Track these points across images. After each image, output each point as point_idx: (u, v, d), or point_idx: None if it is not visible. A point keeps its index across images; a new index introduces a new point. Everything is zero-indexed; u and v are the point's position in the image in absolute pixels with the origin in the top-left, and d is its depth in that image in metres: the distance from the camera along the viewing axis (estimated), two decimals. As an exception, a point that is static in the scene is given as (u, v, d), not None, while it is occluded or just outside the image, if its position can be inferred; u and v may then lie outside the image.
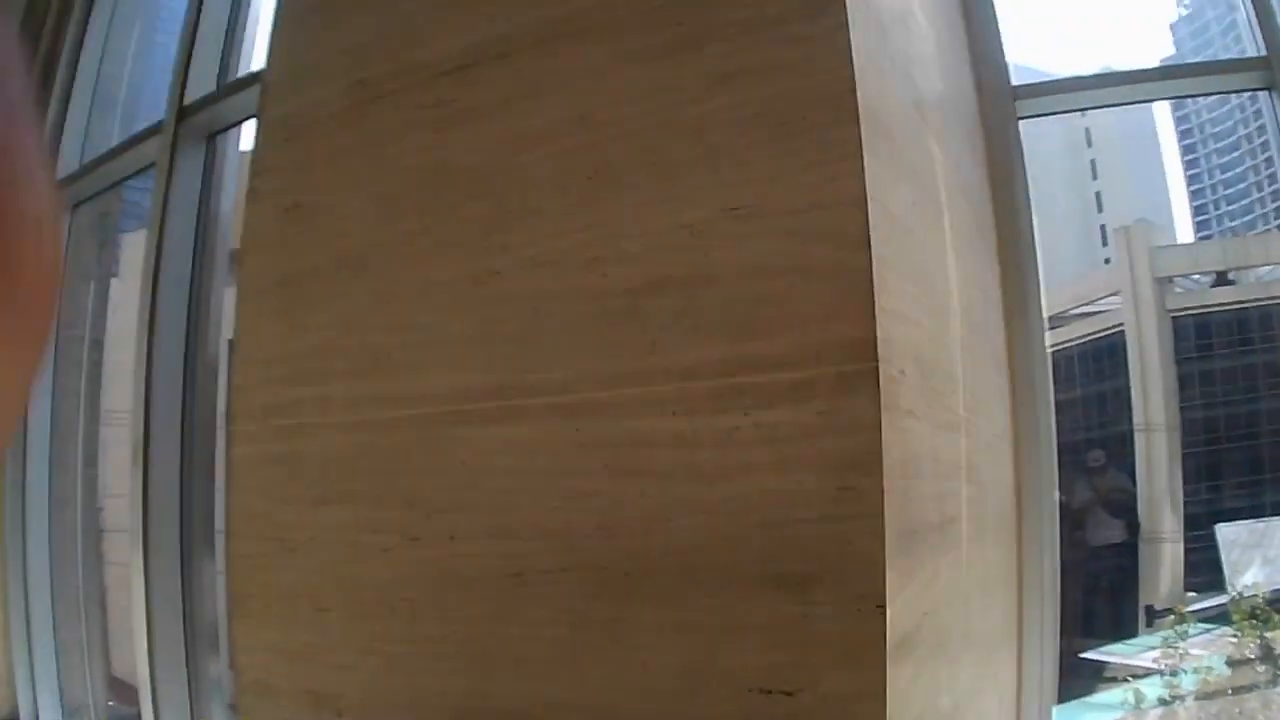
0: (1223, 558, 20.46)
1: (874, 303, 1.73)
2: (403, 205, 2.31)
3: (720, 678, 1.83)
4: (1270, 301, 26.73)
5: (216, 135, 4.35)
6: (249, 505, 2.52)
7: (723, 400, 1.84)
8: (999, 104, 3.79)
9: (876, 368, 1.72)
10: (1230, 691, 12.87)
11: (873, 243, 1.75)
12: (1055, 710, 3.60)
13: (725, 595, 1.83)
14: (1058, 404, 3.83)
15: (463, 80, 2.26)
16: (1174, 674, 13.21)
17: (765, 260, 1.83)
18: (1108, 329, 27.38)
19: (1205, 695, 13.01)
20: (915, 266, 2.12)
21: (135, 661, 4.05)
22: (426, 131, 2.29)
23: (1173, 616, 14.72)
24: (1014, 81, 3.90)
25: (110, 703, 5.27)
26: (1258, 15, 4.05)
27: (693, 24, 1.99)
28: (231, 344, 2.68)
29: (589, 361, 2.00)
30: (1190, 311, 26.64)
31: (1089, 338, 28.20)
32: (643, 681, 1.90)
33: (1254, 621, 13.06)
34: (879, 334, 1.73)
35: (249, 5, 4.64)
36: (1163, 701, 12.92)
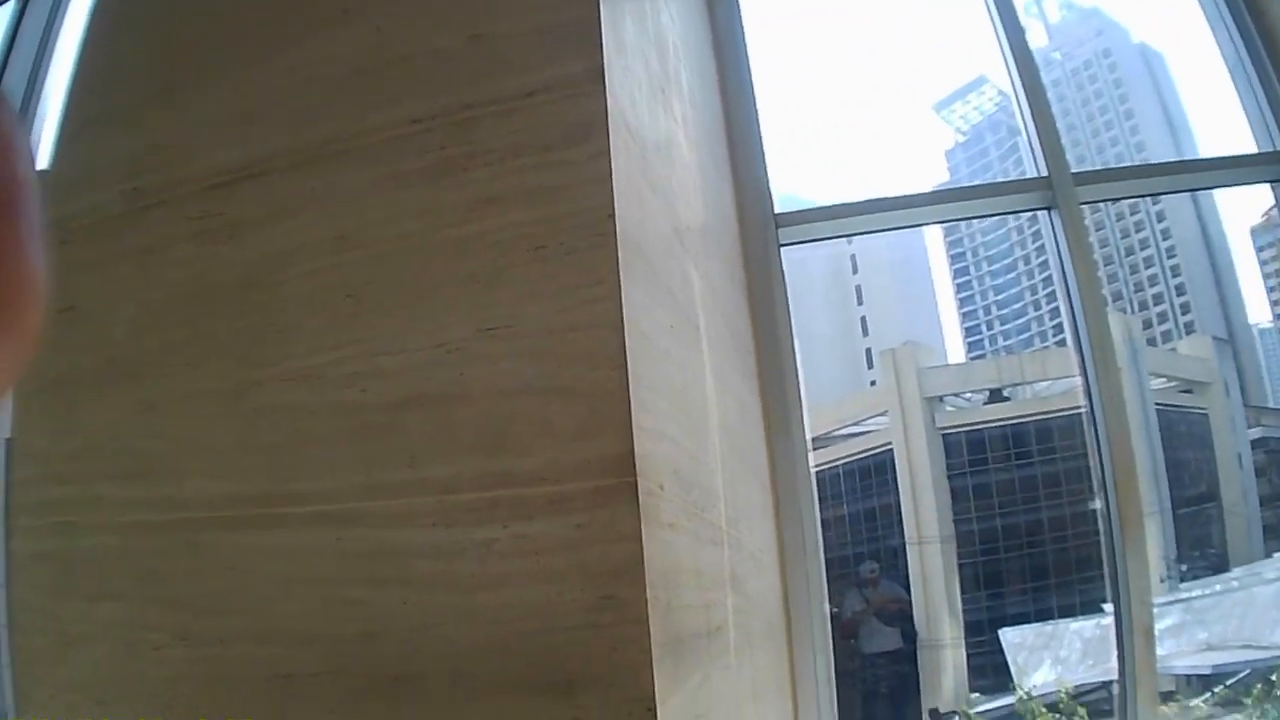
0: (1009, 660, 20.89)
1: (631, 420, 1.81)
2: (169, 315, 2.32)
3: (491, 787, 1.85)
4: (1047, 415, 27.48)
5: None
6: (28, 599, 2.47)
7: (481, 513, 1.89)
8: (761, 230, 3.93)
9: (635, 482, 1.79)
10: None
11: (629, 363, 1.83)
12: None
13: (494, 700, 1.87)
14: (827, 520, 3.97)
15: (227, 195, 2.29)
16: None
17: (521, 379, 1.90)
18: (875, 448, 27.97)
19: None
20: (672, 386, 2.20)
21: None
22: (192, 244, 2.31)
23: (959, 717, 14.98)
24: (777, 209, 4.03)
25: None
26: (1040, 136, 4.25)
27: (457, 148, 2.06)
28: (8, 442, 2.65)
29: (349, 473, 2.03)
30: (962, 428, 27.31)
31: (857, 456, 28.75)
32: (412, 786, 1.91)
33: (1057, 716, 13.33)
34: (636, 449, 1.81)
35: (39, 106, 4.60)
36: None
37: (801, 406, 3.81)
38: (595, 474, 1.81)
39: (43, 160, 2.60)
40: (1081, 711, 13.53)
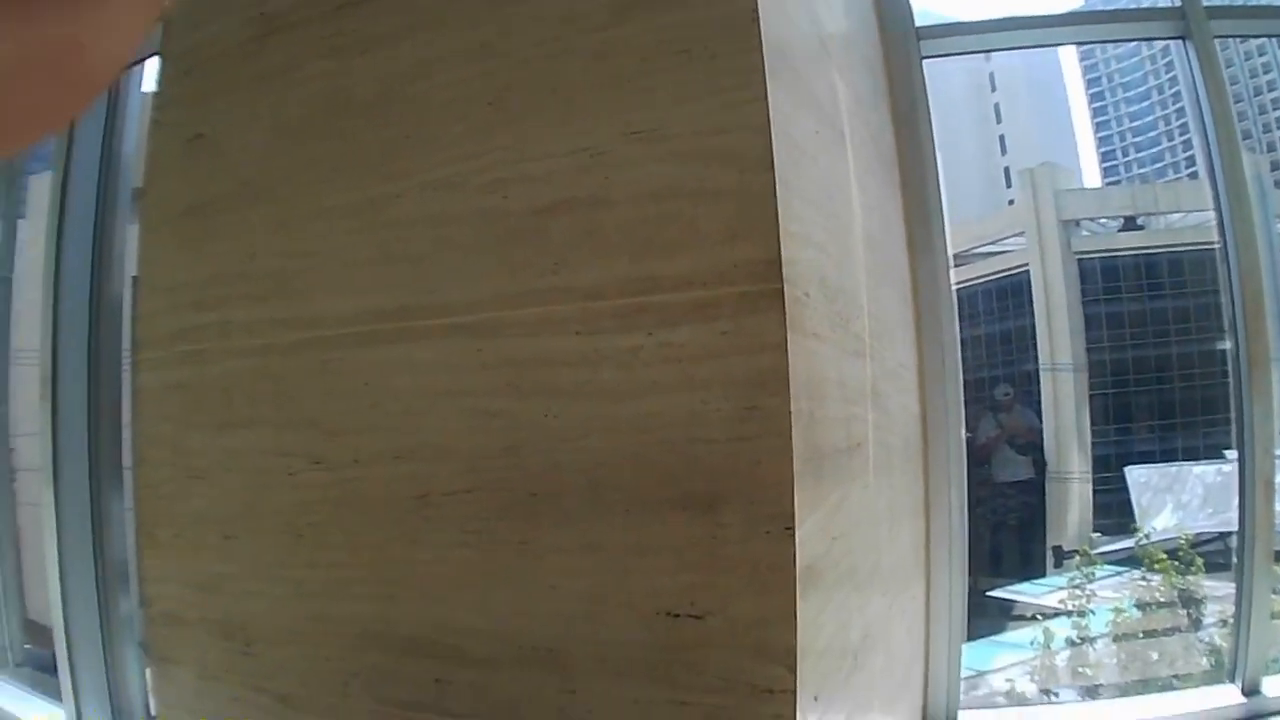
0: (1133, 501, 20.68)
1: (778, 225, 1.74)
2: (302, 133, 2.29)
3: (628, 600, 1.85)
4: (1179, 247, 27.02)
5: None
6: (155, 433, 2.51)
7: (626, 320, 1.85)
8: (903, 42, 3.82)
9: (781, 289, 1.73)
10: (1142, 635, 13.05)
11: (776, 167, 1.76)
12: (964, 647, 3.64)
13: (632, 516, 1.84)
14: (963, 340, 3.87)
15: (362, 12, 2.24)
16: (1082, 615, 13.37)
17: (668, 182, 1.85)
18: (1012, 268, 27.61)
19: (1117, 637, 13.17)
20: (819, 193, 2.13)
21: (49, 602, 4.02)
22: (326, 60, 2.27)
23: (1079, 557, 14.87)
24: (918, 22, 3.93)
25: (27, 645, 5.22)
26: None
27: (596, -47, 1.98)
28: (135, 279, 2.65)
29: (491, 282, 2.00)
30: (1097, 254, 26.88)
31: (994, 276, 28.41)
32: (550, 605, 1.92)
33: (1176, 564, 13.24)
34: (783, 255, 1.74)
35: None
36: (1071, 642, 13.07)
37: (944, 222, 3.74)
38: (742, 279, 1.76)
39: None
40: (1199, 562, 13.41)
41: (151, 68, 3.33)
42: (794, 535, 1.71)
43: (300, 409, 2.23)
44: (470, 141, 2.05)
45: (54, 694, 4.15)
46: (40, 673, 4.77)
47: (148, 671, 3.70)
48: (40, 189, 4.93)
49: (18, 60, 0.45)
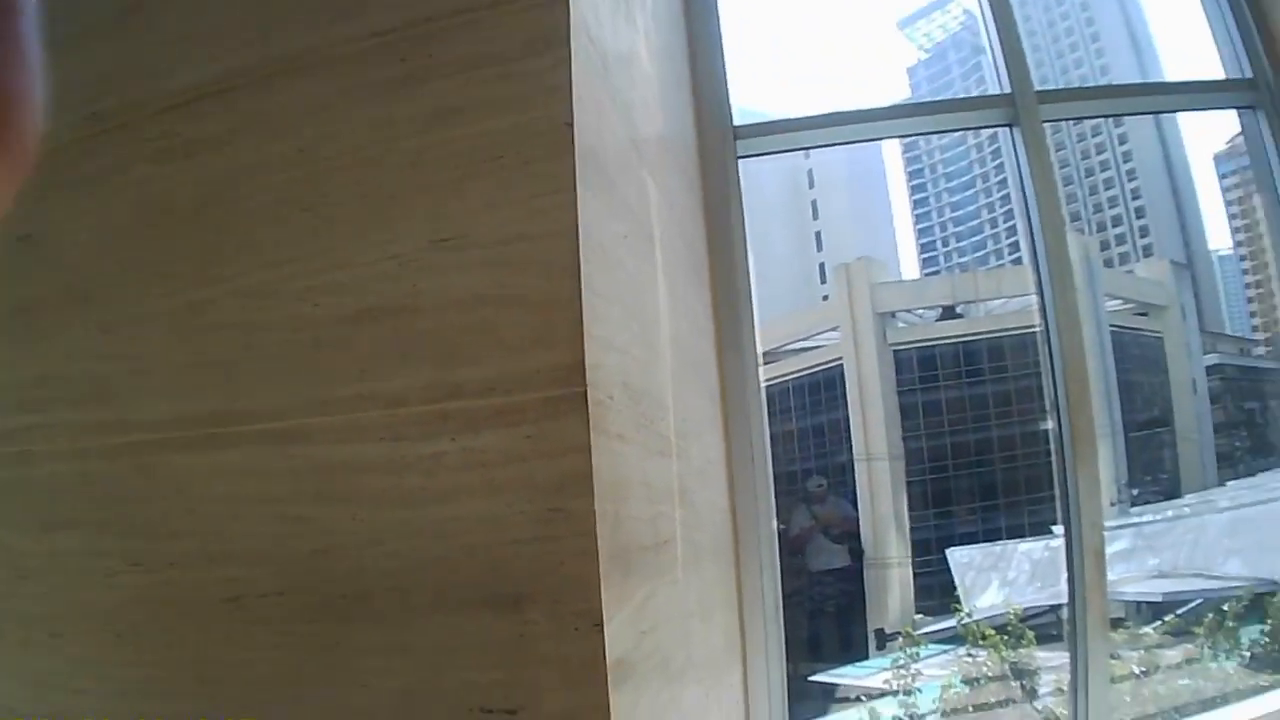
0: (956, 580, 20.99)
1: (582, 330, 1.79)
2: (126, 236, 2.30)
3: (441, 698, 1.86)
4: (999, 333, 27.58)
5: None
6: (-20, 533, 2.48)
7: (430, 426, 1.88)
8: (719, 143, 3.91)
9: (585, 392, 1.77)
10: (973, 709, 13.25)
11: (582, 271, 1.81)
12: (788, 733, 3.69)
13: (441, 616, 1.86)
14: (776, 435, 3.96)
15: (188, 115, 2.25)
16: (908, 693, 13.57)
17: (473, 290, 1.88)
18: (826, 363, 28.01)
19: (946, 713, 13.35)
20: (625, 296, 2.18)
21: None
22: (150, 164, 2.28)
23: (903, 638, 15.10)
24: (736, 121, 4.02)
25: None
26: (1004, 52, 4.24)
27: (417, 60, 2.02)
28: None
29: (299, 389, 2.02)
30: (913, 344, 27.35)
31: (807, 371, 28.78)
32: (365, 702, 1.92)
33: (1006, 638, 13.45)
34: (587, 359, 1.79)
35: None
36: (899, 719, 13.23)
37: (754, 320, 3.81)
38: (545, 384, 1.80)
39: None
40: (1029, 635, 13.66)
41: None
42: (603, 631, 1.74)
43: (119, 512, 2.22)
44: (285, 248, 2.08)
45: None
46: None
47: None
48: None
49: None
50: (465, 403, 1.86)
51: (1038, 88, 4.20)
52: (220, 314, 2.13)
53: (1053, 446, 4.03)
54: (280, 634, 2.01)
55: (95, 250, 2.34)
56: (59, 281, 2.37)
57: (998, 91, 4.32)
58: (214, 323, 2.13)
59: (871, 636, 21.65)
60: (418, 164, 1.98)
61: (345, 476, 1.96)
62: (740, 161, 3.99)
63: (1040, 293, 4.07)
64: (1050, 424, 4.11)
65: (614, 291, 2.06)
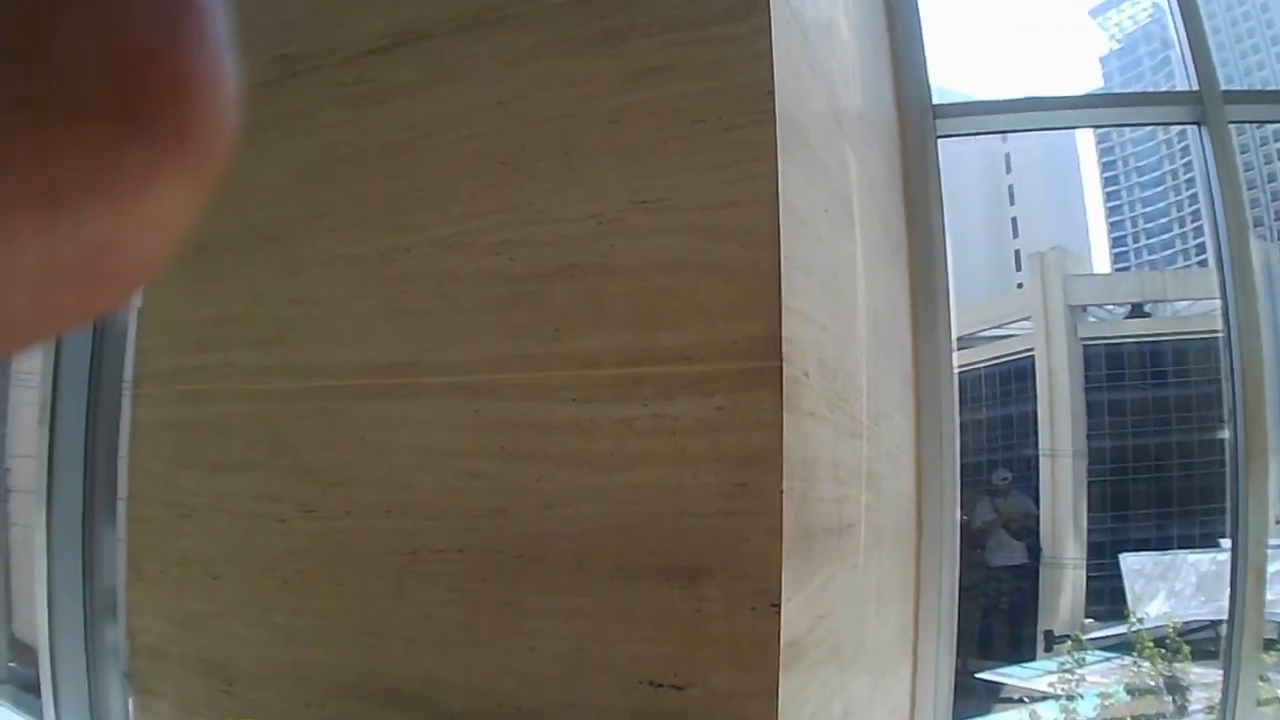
0: (1126, 587, 20.63)
1: (780, 301, 1.75)
2: (316, 179, 2.30)
3: (609, 667, 1.84)
4: (1184, 335, 27.02)
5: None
6: (149, 468, 2.50)
7: (622, 390, 1.85)
8: (919, 121, 3.83)
9: (780, 366, 1.73)
10: (1130, 718, 13.02)
11: (781, 243, 1.76)
12: (951, 729, 3.62)
13: (616, 584, 1.84)
14: (963, 424, 3.87)
15: (384, 61, 2.24)
16: (1070, 699, 13.35)
17: (672, 253, 1.85)
18: (1017, 353, 27.61)
19: (1105, 721, 13.15)
20: (824, 270, 2.13)
21: (35, 624, 4.01)
22: (344, 109, 2.28)
23: (1071, 642, 14.86)
24: (935, 101, 3.94)
25: (11, 664, 5.20)
26: (1191, 50, 4.14)
27: (616, 19, 1.98)
28: (139, 312, 2.65)
29: (491, 344, 2.00)
30: (1102, 340, 26.88)
31: (998, 360, 28.39)
32: (531, 666, 1.91)
33: (1162, 651, 13.22)
34: (784, 333, 1.75)
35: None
36: (1059, 725, 13.04)
37: (949, 304, 3.74)
38: (741, 355, 1.76)
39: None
40: (1186, 649, 13.41)
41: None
42: (779, 612, 1.70)
43: (295, 457, 2.23)
44: (481, 200, 2.06)
45: (36, 714, 4.14)
46: (23, 692, 4.75)
47: (130, 701, 3.69)
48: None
49: (46, 262, 0.42)
50: (659, 368, 1.82)
51: (1225, 87, 4.09)
52: (413, 263, 2.12)
53: (1227, 456, 3.91)
54: (453, 591, 2.00)
55: (284, 192, 2.34)
56: (245, 221, 2.37)
57: (1185, 88, 4.21)
58: (406, 272, 2.12)
59: (1040, 637, 21.38)
60: (617, 122, 1.94)
61: (532, 435, 1.93)
62: (939, 142, 3.92)
63: (1223, 297, 3.96)
64: (1227, 434, 3.99)
65: (813, 265, 2.01)
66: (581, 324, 1.90)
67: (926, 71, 3.92)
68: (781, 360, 1.73)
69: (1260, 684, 3.91)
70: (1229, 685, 3.80)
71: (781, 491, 1.72)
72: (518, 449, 1.95)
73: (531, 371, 1.94)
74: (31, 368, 4.59)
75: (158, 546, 2.46)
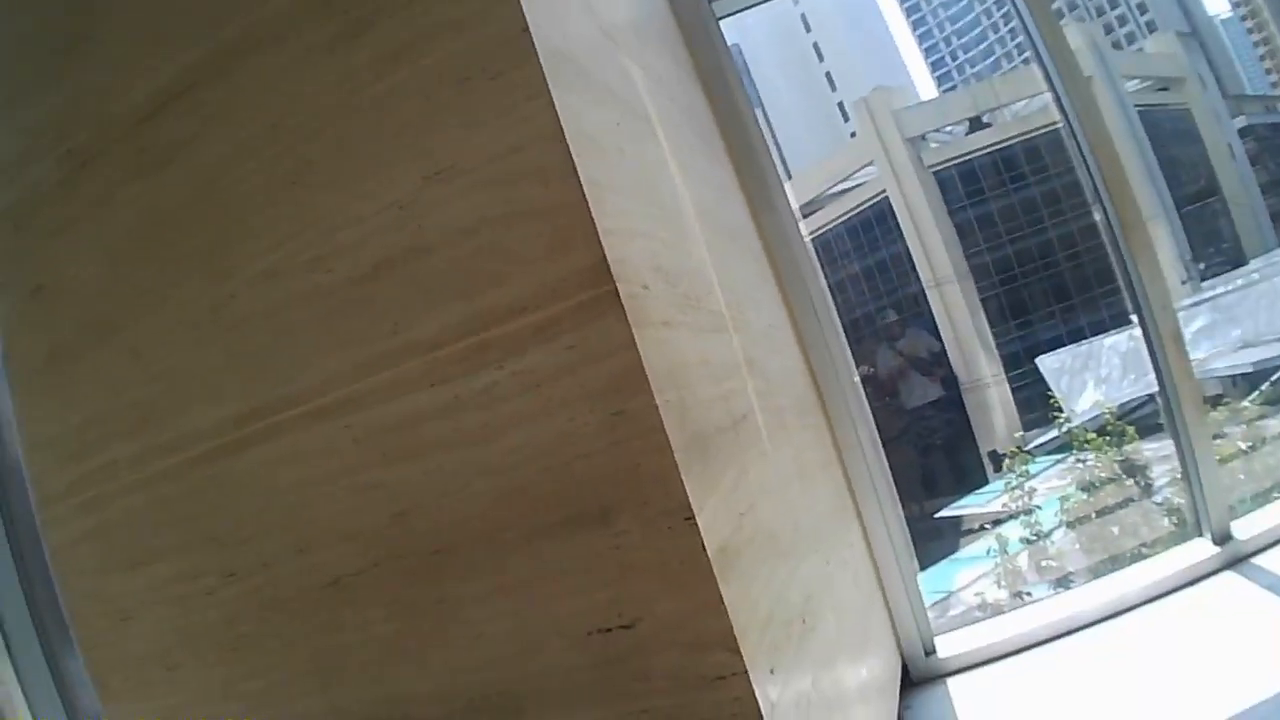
0: (1053, 388, 20.85)
1: (595, 227, 1.75)
2: (132, 257, 2.28)
3: (556, 628, 1.85)
4: (1031, 134, 27.30)
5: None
6: (78, 586, 2.50)
7: (473, 361, 1.85)
8: (694, 9, 3.83)
9: (615, 289, 1.74)
10: (1095, 515, 13.18)
11: (579, 170, 1.77)
12: (922, 575, 3.66)
13: (533, 547, 1.85)
14: (842, 280, 3.91)
15: (158, 124, 2.22)
16: (1029, 512, 13.49)
17: (478, 214, 1.85)
18: (871, 199, 27.83)
19: (1072, 523, 13.29)
20: (635, 183, 2.12)
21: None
22: (137, 181, 2.25)
23: (1014, 457, 15.01)
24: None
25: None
26: None
27: (358, 9, 1.97)
28: (21, 440, 2.64)
29: (336, 359, 2.00)
30: (951, 162, 27.13)
31: (854, 211, 28.61)
32: (483, 653, 1.92)
33: (1108, 438, 13.36)
34: (609, 254, 1.75)
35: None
36: (1027, 541, 13.18)
37: (778, 175, 3.75)
38: (573, 290, 1.76)
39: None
40: (1130, 430, 13.55)
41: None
42: (696, 523, 1.71)
43: (199, 528, 2.22)
44: (282, 225, 2.05)
45: None
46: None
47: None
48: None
49: None
50: (501, 329, 1.83)
51: None
52: (239, 307, 2.11)
53: (1106, 238, 3.96)
54: (384, 606, 2.01)
55: (106, 280, 2.33)
56: (79, 321, 2.37)
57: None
58: (235, 317, 2.12)
59: (986, 460, 21.60)
60: (388, 107, 1.94)
61: (406, 433, 1.94)
62: (720, 23, 3.92)
63: (1052, 88, 3.99)
64: (1098, 215, 4.03)
65: (620, 181, 2.01)
66: (414, 311, 1.90)
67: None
68: (614, 282, 1.73)
69: (1217, 442, 3.97)
70: (1183, 454, 3.85)
71: (657, 406, 1.72)
72: (397, 450, 1.95)
73: (383, 372, 1.94)
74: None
75: (113, 658, 2.45)
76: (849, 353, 3.73)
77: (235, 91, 2.12)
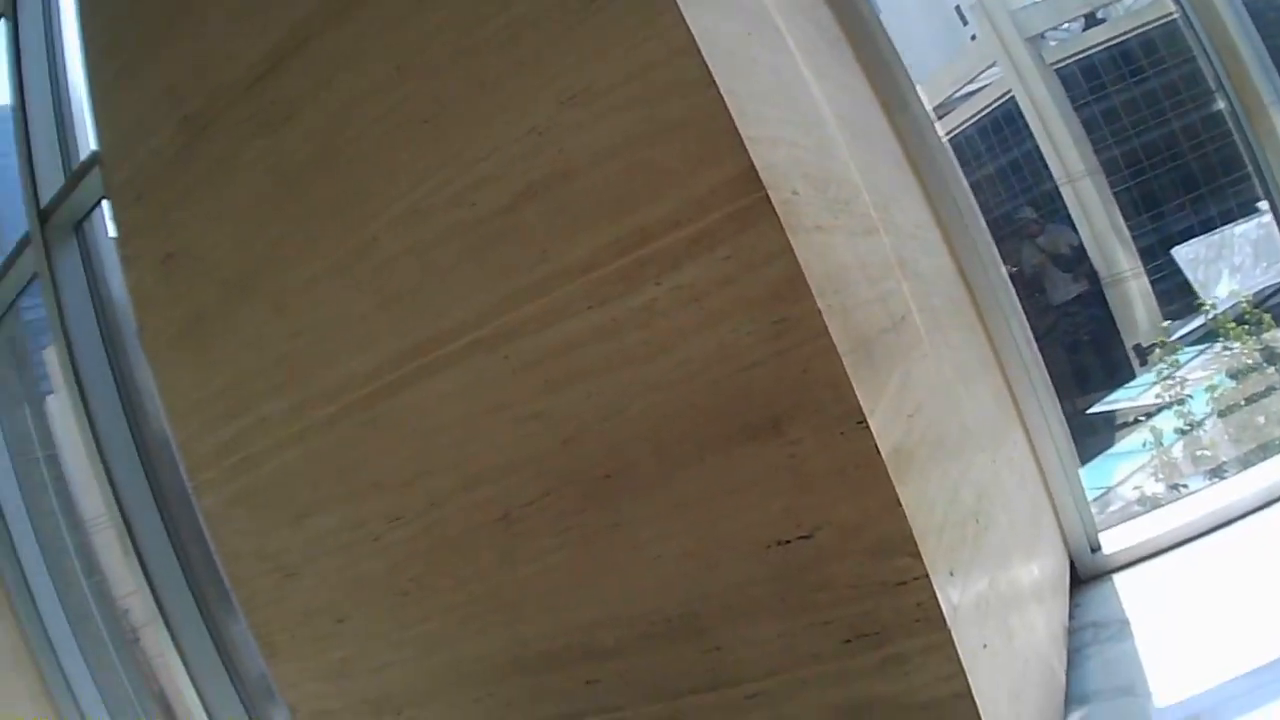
0: (1189, 278, 20.46)
1: (740, 136, 1.71)
2: (263, 215, 2.29)
3: (733, 544, 1.84)
4: (1147, 26, 26.74)
5: (81, 223, 4.26)
6: (236, 547, 2.53)
7: (630, 279, 1.83)
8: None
9: (765, 195, 1.70)
10: (1244, 402, 12.92)
11: (717, 81, 1.73)
12: (1081, 471, 3.59)
13: (706, 462, 1.83)
14: (978, 181, 3.84)
15: (277, 80, 2.23)
16: (1181, 403, 13.25)
17: (619, 134, 1.82)
18: (997, 100, 27.34)
19: (1222, 413, 13.04)
20: (772, 92, 2.08)
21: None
22: (261, 139, 2.26)
23: (1161, 349, 14.75)
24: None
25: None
26: None
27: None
28: (166, 408, 2.66)
29: (488, 291, 1.98)
30: (1072, 58, 26.56)
31: (982, 114, 28.11)
32: (661, 574, 1.92)
33: (1246, 328, 13.10)
34: (756, 162, 1.71)
35: (68, 91, 4.52)
36: (1181, 431, 12.95)
37: (909, 77, 3.68)
38: (725, 200, 1.73)
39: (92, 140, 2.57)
40: (1267, 318, 13.26)
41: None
42: (868, 427, 1.68)
43: (360, 476, 2.23)
44: (420, 164, 2.04)
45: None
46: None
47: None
48: (55, 360, 4.95)
49: None
50: (656, 245, 1.80)
51: None
52: (383, 249, 2.11)
53: (1231, 126, 3.86)
54: (557, 535, 2.00)
55: (238, 240, 2.34)
56: (215, 284, 2.38)
57: None
58: (381, 260, 2.11)
59: (1133, 355, 21.28)
60: (515, 36, 1.91)
61: (566, 358, 1.92)
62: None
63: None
64: (1221, 103, 3.94)
65: (757, 90, 1.96)
66: (563, 236, 1.88)
67: None
68: (764, 189, 1.70)
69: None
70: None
71: (820, 310, 1.69)
72: (558, 376, 1.94)
73: (537, 300, 1.92)
74: (98, 509, 4.59)
75: (276, 616, 2.48)
76: (995, 251, 3.66)
77: (356, 38, 2.10)
